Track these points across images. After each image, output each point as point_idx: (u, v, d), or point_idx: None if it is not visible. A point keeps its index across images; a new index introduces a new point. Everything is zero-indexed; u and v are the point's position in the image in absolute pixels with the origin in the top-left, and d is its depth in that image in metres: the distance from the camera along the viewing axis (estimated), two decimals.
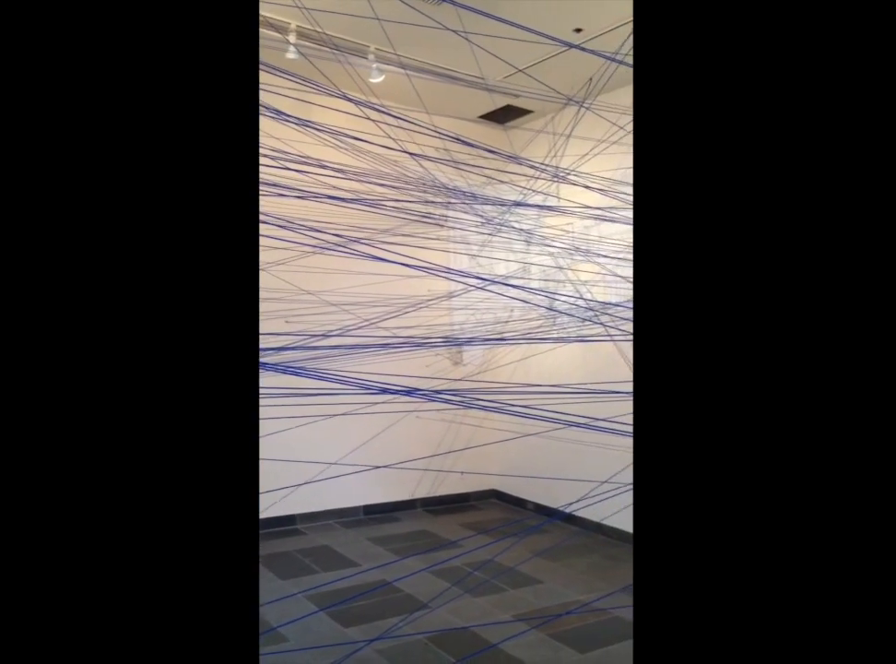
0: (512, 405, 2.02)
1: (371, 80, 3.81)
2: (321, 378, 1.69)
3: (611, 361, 3.88)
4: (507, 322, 4.34)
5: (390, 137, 2.54)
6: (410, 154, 2.59)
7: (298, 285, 3.70)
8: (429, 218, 3.34)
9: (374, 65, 3.75)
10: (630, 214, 3.45)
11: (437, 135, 2.47)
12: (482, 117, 4.81)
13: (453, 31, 2.70)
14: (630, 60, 2.96)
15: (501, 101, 4.46)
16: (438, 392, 2.05)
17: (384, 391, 1.80)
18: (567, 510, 4.17)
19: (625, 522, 3.99)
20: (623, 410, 2.48)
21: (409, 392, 1.86)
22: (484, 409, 2.05)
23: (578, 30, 3.36)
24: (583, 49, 1.56)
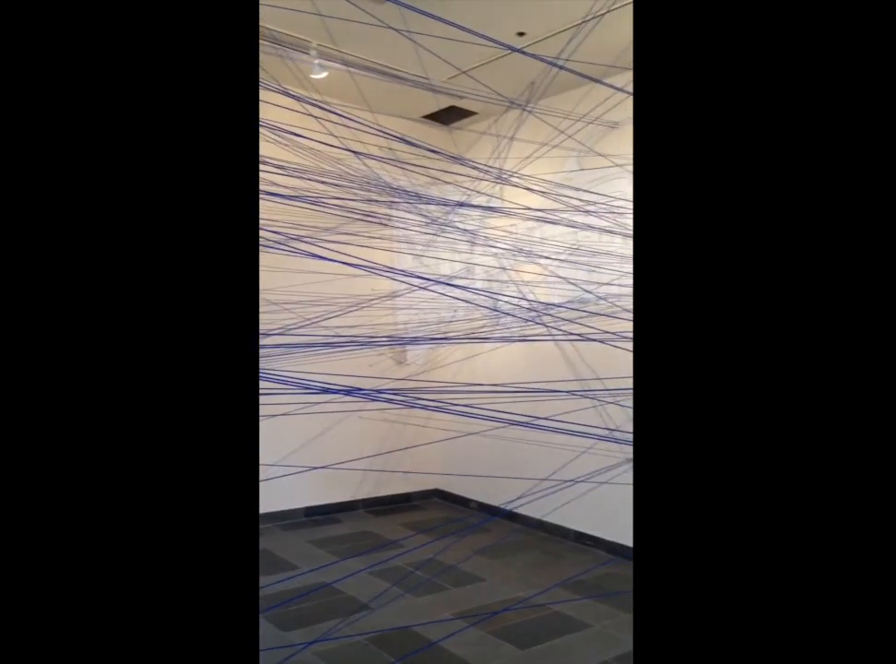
0: (456, 404, 2.02)
1: (313, 76, 3.76)
2: (261, 378, 1.66)
3: (553, 361, 3.94)
4: (451, 322, 4.35)
5: (332, 135, 2.51)
6: (353, 152, 2.56)
7: None
8: (372, 216, 3.32)
9: (316, 61, 3.70)
10: (571, 217, 3.51)
11: (381, 133, 2.46)
12: (426, 117, 4.82)
13: (396, 30, 2.69)
14: (571, 65, 3.00)
15: (445, 102, 4.47)
16: (380, 391, 2.04)
17: (326, 391, 1.77)
18: (508, 507, 4.21)
19: (565, 518, 4.06)
20: (564, 409, 2.52)
21: (350, 391, 1.85)
22: (427, 408, 2.05)
23: (521, 34, 3.40)
24: (524, 53, 1.57)
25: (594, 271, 3.72)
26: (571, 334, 2.84)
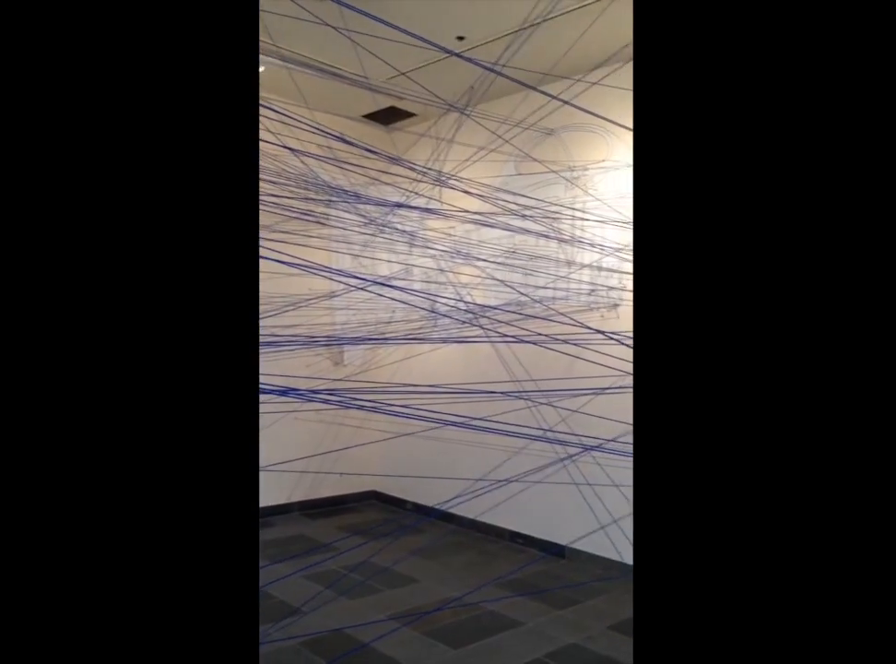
0: (393, 405, 2.03)
1: None
2: None
3: (489, 363, 3.99)
4: (389, 323, 4.35)
5: (269, 131, 2.47)
6: (291, 149, 2.53)
7: None
8: (310, 215, 3.28)
9: None
10: (508, 221, 3.57)
11: (319, 131, 2.43)
12: (365, 117, 4.79)
13: (335, 28, 2.68)
14: (508, 71, 3.05)
15: (384, 102, 4.46)
16: (316, 392, 2.02)
17: (260, 391, 1.74)
18: (443, 508, 4.23)
19: (499, 518, 4.11)
20: (499, 409, 2.56)
21: (286, 392, 1.82)
22: (364, 408, 2.05)
23: (461, 38, 3.43)
24: (462, 57, 1.59)
25: (530, 275, 3.79)
26: (507, 336, 2.88)
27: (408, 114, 4.69)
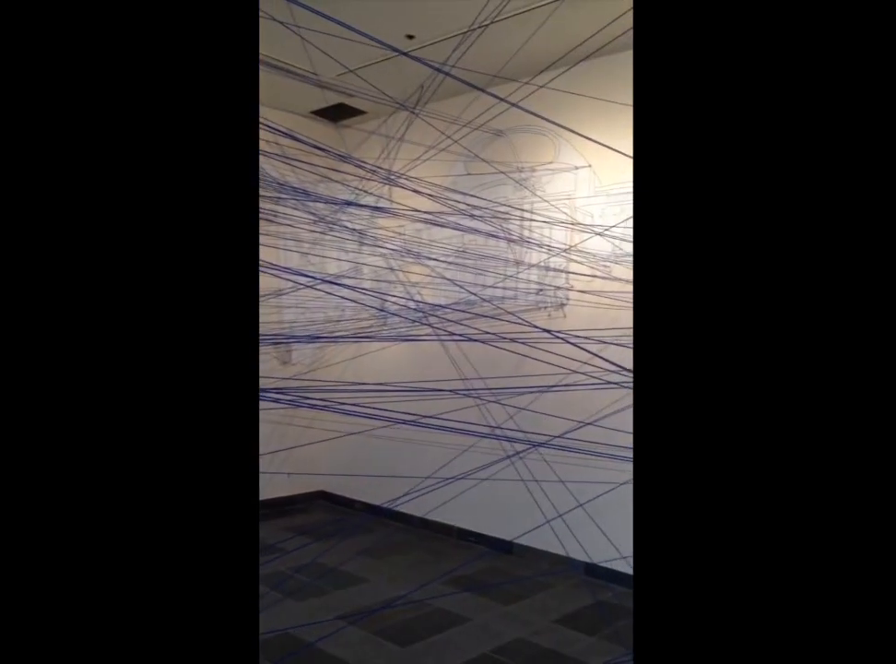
0: (342, 404, 2.02)
1: None
2: None
3: (438, 361, 4.01)
4: (338, 321, 4.32)
5: None
6: None
7: None
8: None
9: None
10: (458, 220, 3.59)
11: (266, 127, 2.40)
12: (314, 113, 4.75)
13: (283, 24, 2.65)
14: (457, 72, 3.06)
15: (333, 99, 4.43)
16: (265, 391, 2.00)
17: None
18: (391, 507, 4.23)
19: (448, 516, 4.14)
20: (448, 408, 2.57)
21: None
22: (313, 407, 2.03)
23: (410, 37, 3.43)
24: (409, 55, 1.60)
25: (479, 274, 3.82)
26: (456, 334, 2.90)
27: (358, 112, 4.66)
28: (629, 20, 2.73)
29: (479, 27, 2.70)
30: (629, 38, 3.13)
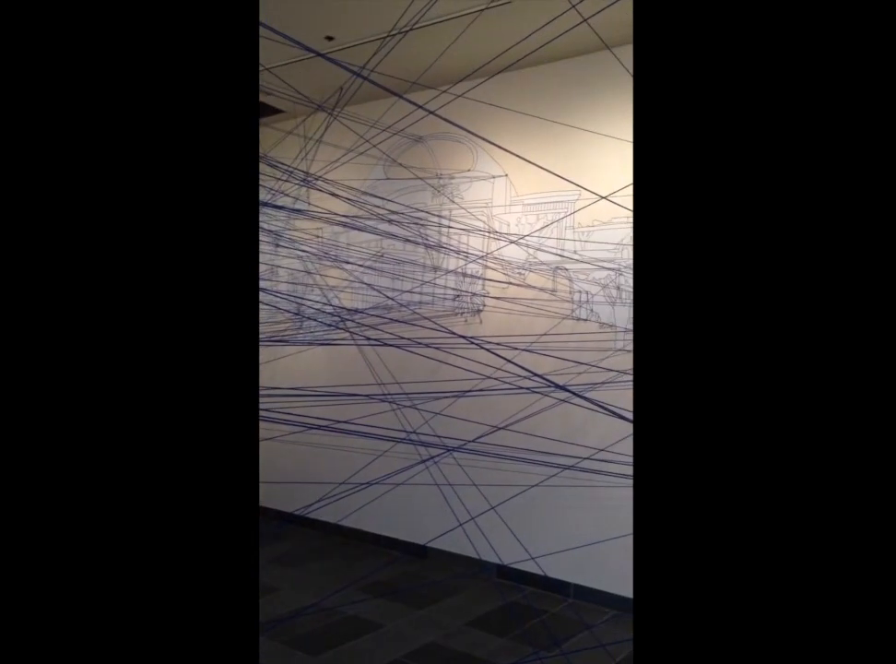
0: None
1: None
2: None
3: (355, 366, 3.98)
4: None
5: None
6: None
7: None
8: None
9: None
10: (376, 224, 3.58)
11: None
12: None
13: None
14: (376, 76, 3.06)
15: None
16: None
17: None
18: (305, 514, 4.16)
19: (362, 522, 4.10)
20: (364, 412, 2.56)
21: None
22: None
23: (330, 38, 3.41)
24: (325, 57, 1.59)
25: (397, 279, 3.83)
26: (373, 339, 2.90)
27: (275, 111, 4.58)
28: (546, 34, 2.81)
29: (399, 32, 2.72)
30: (547, 51, 3.23)
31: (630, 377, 2.97)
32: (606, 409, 1.77)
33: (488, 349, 2.27)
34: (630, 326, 3.16)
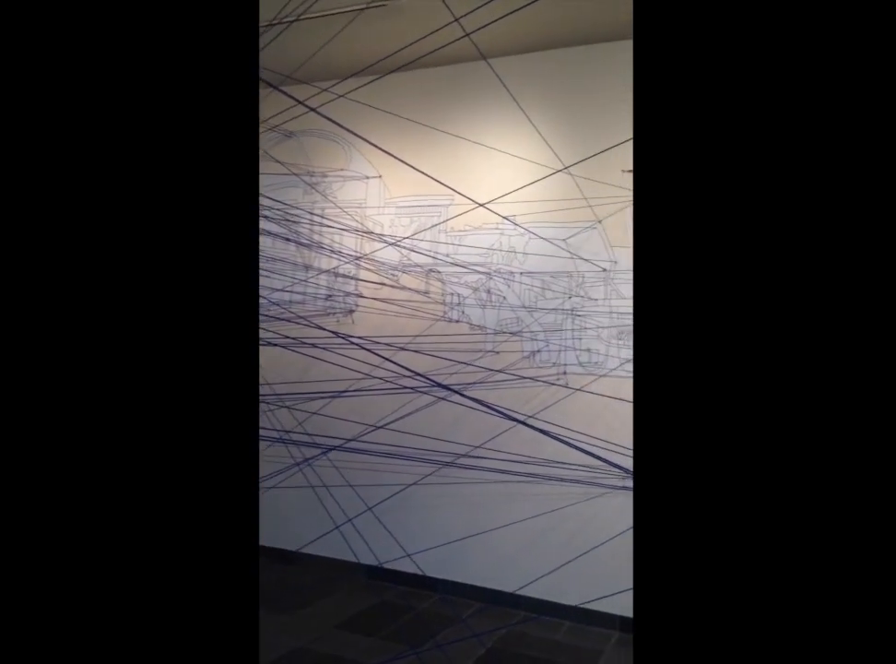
0: None
1: None
2: None
3: None
4: None
5: None
6: None
7: None
8: None
9: None
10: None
11: None
12: None
13: None
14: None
15: None
16: None
17: None
18: None
19: None
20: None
21: None
22: None
23: None
24: None
25: (267, 276, 3.72)
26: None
27: None
28: (433, 41, 2.87)
29: (279, 23, 2.65)
30: (431, 55, 3.29)
31: (502, 377, 3.09)
32: (489, 407, 1.84)
33: (369, 349, 2.28)
34: (498, 328, 3.29)
